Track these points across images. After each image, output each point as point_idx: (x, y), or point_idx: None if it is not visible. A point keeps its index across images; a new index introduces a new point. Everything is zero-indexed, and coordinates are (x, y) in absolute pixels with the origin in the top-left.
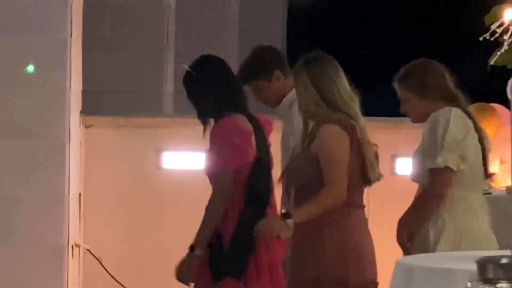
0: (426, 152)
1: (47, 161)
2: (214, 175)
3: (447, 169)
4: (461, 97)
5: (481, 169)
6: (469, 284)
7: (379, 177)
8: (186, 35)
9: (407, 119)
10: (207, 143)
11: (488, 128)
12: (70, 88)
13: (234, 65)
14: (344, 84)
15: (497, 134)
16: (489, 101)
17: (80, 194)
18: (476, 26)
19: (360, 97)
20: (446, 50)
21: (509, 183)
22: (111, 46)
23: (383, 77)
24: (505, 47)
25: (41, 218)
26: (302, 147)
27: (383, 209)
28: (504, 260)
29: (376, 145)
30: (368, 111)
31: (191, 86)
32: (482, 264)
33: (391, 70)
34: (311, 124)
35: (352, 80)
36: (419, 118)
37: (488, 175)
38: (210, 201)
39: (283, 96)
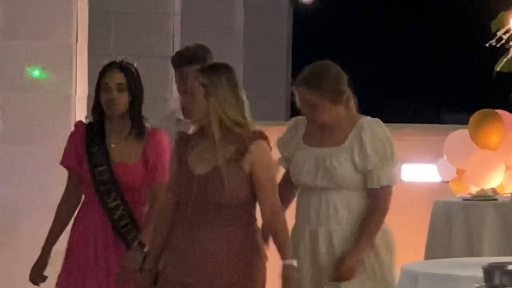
0: (371, 165)
1: (52, 166)
2: (159, 186)
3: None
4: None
5: None
6: None
7: None
8: (191, 42)
9: (410, 125)
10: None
11: (493, 134)
12: (75, 94)
13: (239, 71)
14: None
15: (502, 140)
16: (495, 107)
17: None
18: (483, 32)
19: (363, 101)
20: (452, 56)
21: None
22: (116, 52)
23: (389, 82)
24: (511, 53)
25: (43, 223)
26: (228, 161)
27: (389, 215)
28: (510, 267)
29: None
30: (373, 117)
31: None
32: (489, 270)
33: (396, 75)
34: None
35: (356, 84)
36: (331, 123)
37: None
38: (152, 208)
39: None
